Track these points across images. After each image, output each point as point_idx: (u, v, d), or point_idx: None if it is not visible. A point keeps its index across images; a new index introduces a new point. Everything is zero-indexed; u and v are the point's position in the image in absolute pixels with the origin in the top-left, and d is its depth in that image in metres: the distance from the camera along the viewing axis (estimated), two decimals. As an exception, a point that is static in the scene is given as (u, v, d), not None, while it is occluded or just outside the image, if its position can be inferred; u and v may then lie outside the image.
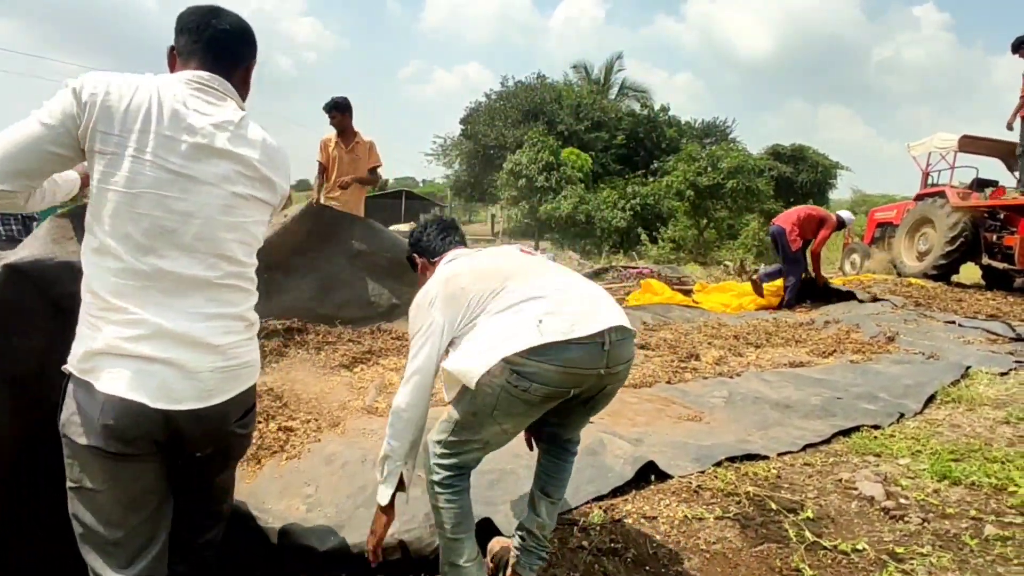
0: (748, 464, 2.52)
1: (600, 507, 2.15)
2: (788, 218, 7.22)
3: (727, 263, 13.13)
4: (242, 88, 1.40)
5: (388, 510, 1.66)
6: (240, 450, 1.50)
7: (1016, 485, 2.30)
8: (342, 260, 4.61)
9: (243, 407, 1.38)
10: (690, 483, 2.35)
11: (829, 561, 1.87)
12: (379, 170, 5.25)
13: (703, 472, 2.43)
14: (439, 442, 1.61)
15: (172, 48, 1.36)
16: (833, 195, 26.40)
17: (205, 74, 1.30)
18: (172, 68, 1.36)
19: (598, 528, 2.03)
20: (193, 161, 1.22)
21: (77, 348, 1.21)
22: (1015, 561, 1.84)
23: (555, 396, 1.51)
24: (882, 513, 2.15)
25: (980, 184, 8.70)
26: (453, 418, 1.59)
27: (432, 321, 1.59)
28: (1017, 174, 8.13)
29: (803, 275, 7.14)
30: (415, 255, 1.94)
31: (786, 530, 2.02)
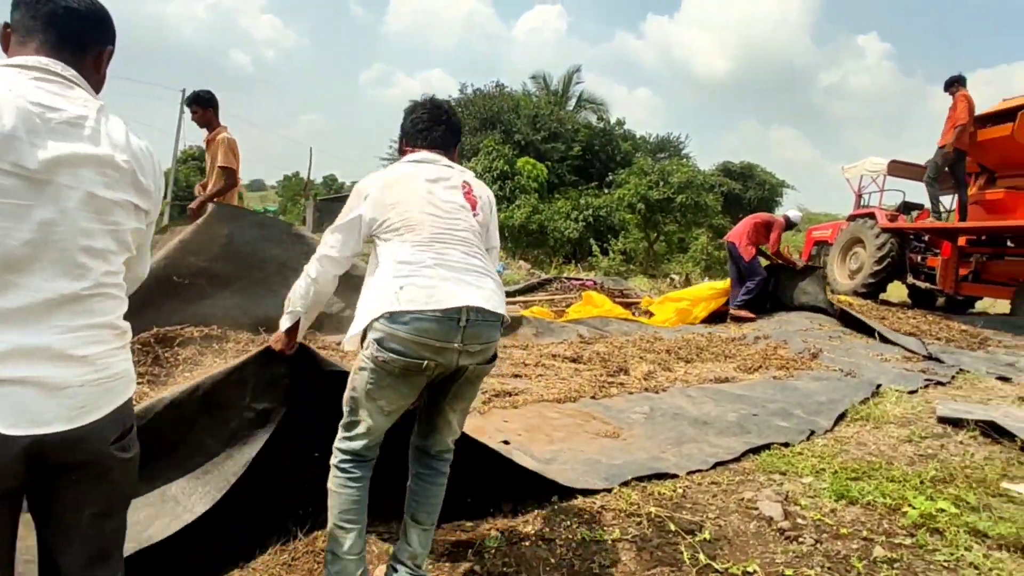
0: (656, 483, 2.52)
1: (498, 528, 2.10)
2: (738, 232, 7.59)
3: (674, 276, 13.38)
4: (94, 77, 1.26)
5: (290, 334, 1.89)
6: (124, 481, 1.28)
7: (910, 505, 2.34)
8: (271, 267, 4.45)
9: (120, 426, 1.22)
10: (594, 503, 2.32)
11: (719, 585, 1.86)
12: (231, 170, 4.66)
13: (610, 491, 2.41)
14: (341, 424, 1.73)
15: (6, 25, 1.20)
16: (779, 212, 27.29)
17: (45, 59, 1.16)
18: (6, 50, 1.20)
19: (493, 551, 1.97)
20: (52, 165, 1.09)
21: None
22: (898, 583, 1.88)
23: (413, 368, 1.59)
24: (778, 534, 2.16)
25: (907, 207, 9.12)
26: (345, 398, 1.72)
27: (360, 213, 1.75)
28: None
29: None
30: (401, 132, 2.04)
31: (681, 552, 2.00)
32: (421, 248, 1.67)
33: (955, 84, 7.59)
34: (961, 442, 3.11)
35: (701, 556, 1.98)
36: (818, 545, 2.09)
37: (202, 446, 1.99)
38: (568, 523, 2.17)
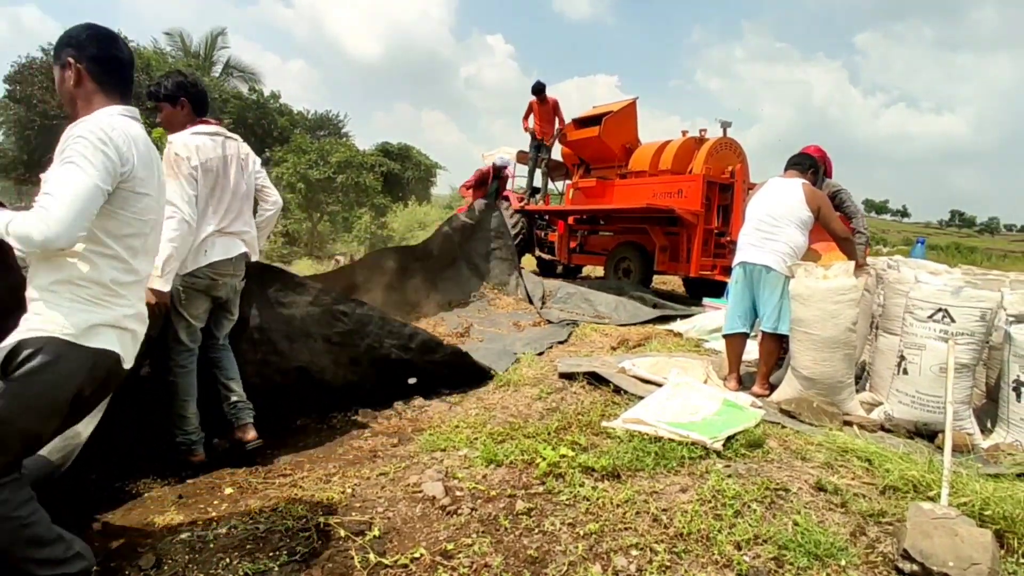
0: (324, 488, 2.47)
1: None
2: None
3: (339, 257, 13.29)
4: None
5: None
6: None
7: (541, 457, 2.77)
8: None
9: None
10: (258, 526, 2.16)
11: (389, 579, 1.92)
12: None
13: (275, 510, 2.27)
14: None
15: None
16: (434, 191, 29.41)
17: None
18: None
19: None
20: None
21: None
22: (536, 531, 2.19)
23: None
24: (441, 511, 2.33)
25: (533, 191, 10.75)
26: None
27: None
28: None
29: None
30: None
31: (352, 557, 2.00)
32: None
33: (540, 92, 9.50)
34: (575, 392, 3.83)
35: (371, 556, 2.01)
36: (474, 512, 2.32)
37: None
38: (228, 560, 1.97)
